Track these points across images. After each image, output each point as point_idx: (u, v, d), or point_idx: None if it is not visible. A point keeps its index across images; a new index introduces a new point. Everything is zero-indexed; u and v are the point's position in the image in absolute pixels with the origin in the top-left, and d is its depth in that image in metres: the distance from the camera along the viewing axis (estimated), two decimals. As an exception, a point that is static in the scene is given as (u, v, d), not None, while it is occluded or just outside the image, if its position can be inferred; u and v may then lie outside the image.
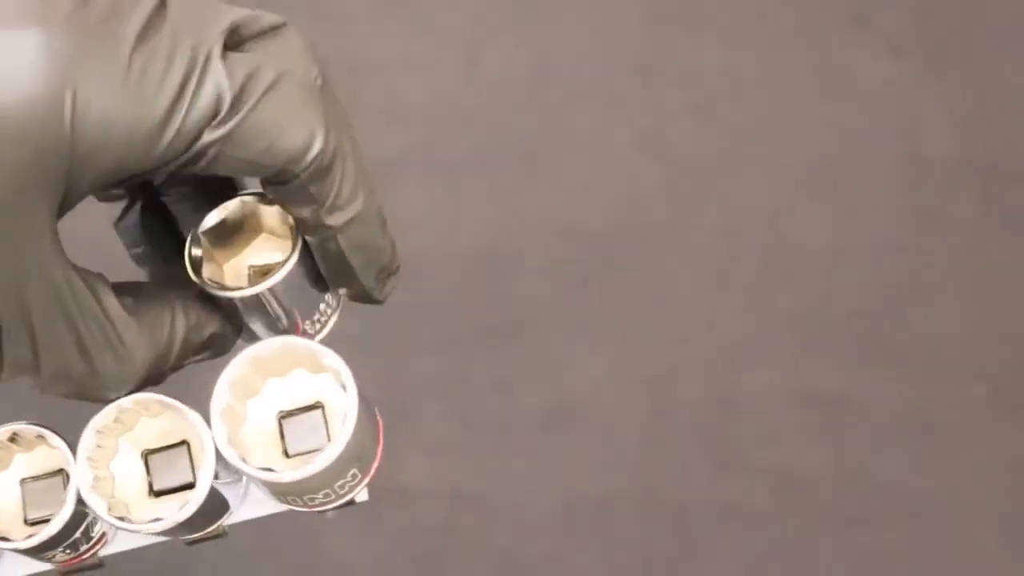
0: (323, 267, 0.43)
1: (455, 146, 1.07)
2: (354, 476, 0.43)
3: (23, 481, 0.41)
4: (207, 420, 0.41)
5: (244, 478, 0.42)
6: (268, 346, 0.41)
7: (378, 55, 1.11)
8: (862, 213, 1.05)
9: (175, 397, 0.41)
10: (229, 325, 0.43)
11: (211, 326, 0.42)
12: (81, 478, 0.40)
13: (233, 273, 0.43)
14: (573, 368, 0.99)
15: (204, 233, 0.42)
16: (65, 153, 0.36)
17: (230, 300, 0.42)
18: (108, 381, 0.40)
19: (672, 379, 0.98)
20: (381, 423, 0.44)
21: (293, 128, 0.39)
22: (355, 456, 0.42)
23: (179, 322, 0.41)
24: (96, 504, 0.40)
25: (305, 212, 0.41)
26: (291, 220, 0.42)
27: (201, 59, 0.38)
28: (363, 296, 0.44)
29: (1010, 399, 0.98)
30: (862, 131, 1.08)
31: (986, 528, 0.94)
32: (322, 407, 0.42)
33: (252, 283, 0.42)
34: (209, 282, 0.41)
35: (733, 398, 0.98)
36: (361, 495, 0.44)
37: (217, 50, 0.38)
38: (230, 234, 0.42)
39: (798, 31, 1.12)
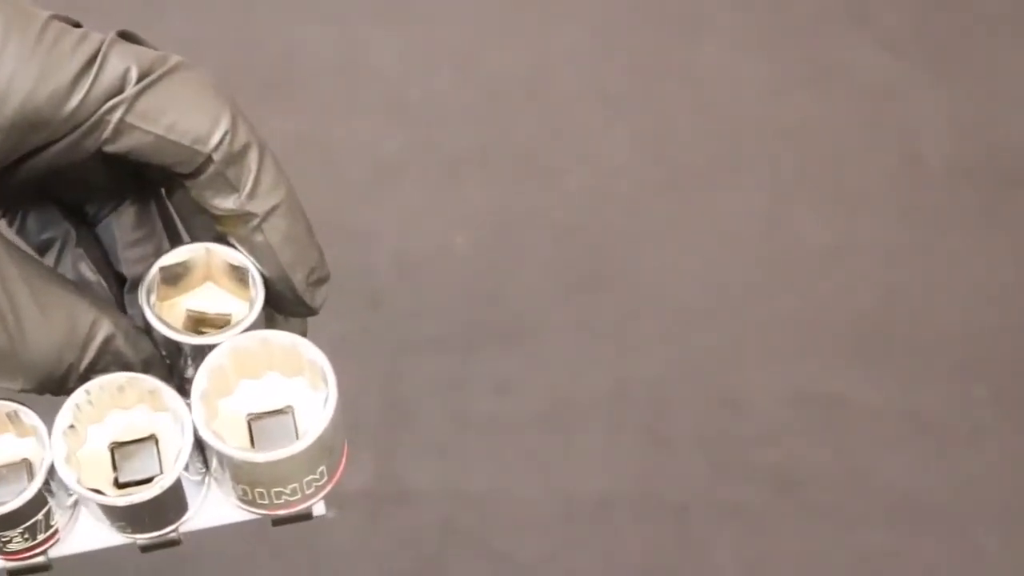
0: (256, 265, 0.43)
1: (455, 146, 1.07)
2: (322, 475, 0.42)
3: None
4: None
5: (206, 479, 0.43)
6: (250, 338, 0.42)
7: (378, 55, 1.11)
8: (862, 213, 1.05)
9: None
10: (161, 361, 0.43)
11: (144, 348, 0.42)
12: (56, 451, 0.40)
13: (171, 314, 0.43)
14: (573, 368, 0.99)
15: (160, 270, 0.42)
16: None
17: (179, 344, 0.42)
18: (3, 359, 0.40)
19: (672, 379, 0.98)
20: (346, 446, 0.44)
21: (198, 107, 0.40)
22: (328, 450, 0.41)
23: (103, 325, 0.41)
24: (68, 476, 0.40)
25: (228, 203, 0.41)
26: (251, 274, 0.42)
27: (110, 40, 0.40)
28: (296, 304, 0.44)
29: (1010, 399, 0.98)
30: (862, 131, 1.08)
31: (986, 528, 0.94)
32: (292, 411, 0.42)
33: (188, 328, 0.43)
34: (165, 324, 0.42)
35: (733, 398, 0.98)
36: (319, 508, 0.44)
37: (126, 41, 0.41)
38: (178, 276, 0.43)
39: (797, 31, 1.12)
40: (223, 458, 0.41)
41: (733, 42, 1.11)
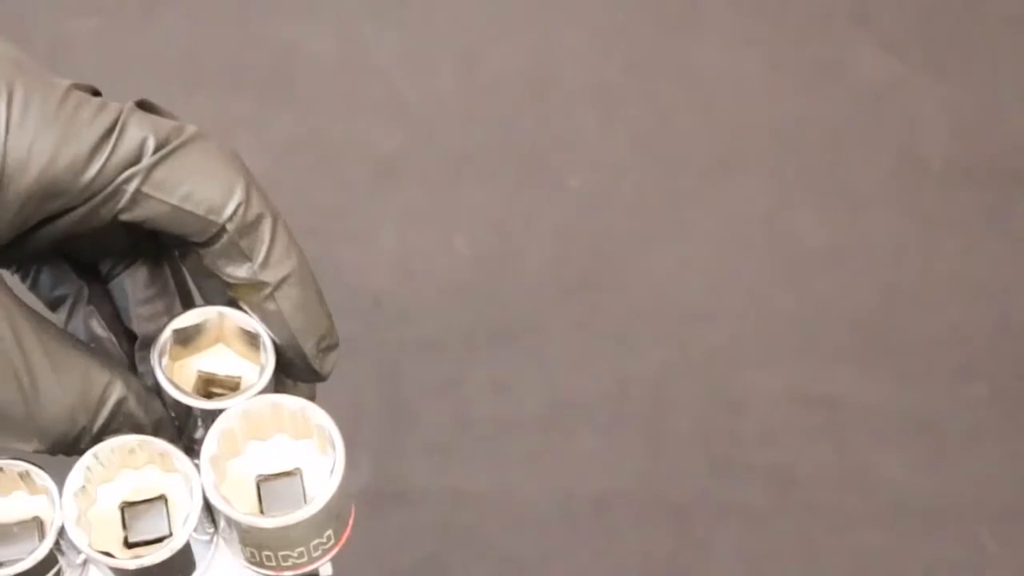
0: (268, 331, 0.43)
1: (455, 146, 1.07)
2: (328, 539, 0.43)
3: None
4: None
5: (214, 538, 0.43)
6: (260, 402, 0.42)
7: (378, 55, 1.11)
8: (862, 213, 1.05)
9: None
10: (171, 422, 0.44)
11: (155, 410, 0.43)
12: (67, 512, 0.40)
13: (182, 374, 0.43)
14: (573, 368, 0.99)
15: (173, 332, 0.43)
16: None
17: (189, 407, 0.42)
18: (14, 423, 0.40)
19: (672, 379, 0.98)
20: (354, 509, 0.45)
21: (213, 178, 0.41)
22: (335, 515, 0.42)
23: (116, 388, 0.41)
24: (78, 538, 0.40)
25: (241, 271, 0.42)
26: (263, 340, 0.43)
27: (128, 110, 0.40)
28: (306, 370, 0.44)
29: (1010, 399, 0.98)
30: (862, 131, 1.08)
31: (986, 528, 0.94)
32: (301, 474, 0.42)
33: (198, 389, 0.43)
34: (175, 386, 0.42)
35: (733, 398, 0.98)
36: (325, 569, 0.44)
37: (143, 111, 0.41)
38: (190, 337, 0.43)
39: (797, 31, 1.12)
40: (231, 521, 0.41)
41: (733, 42, 1.11)
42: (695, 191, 1.06)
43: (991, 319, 1.01)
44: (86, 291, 0.45)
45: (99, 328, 0.45)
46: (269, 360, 0.43)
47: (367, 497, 0.94)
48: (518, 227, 1.04)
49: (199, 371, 0.44)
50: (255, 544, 0.42)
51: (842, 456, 0.96)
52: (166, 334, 0.43)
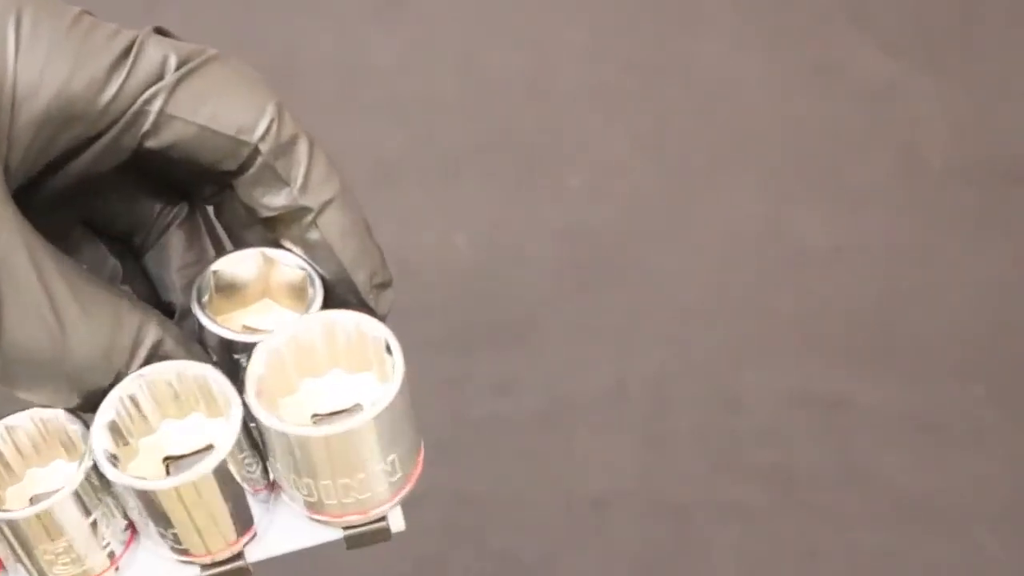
0: (315, 267, 0.40)
1: (455, 146, 1.07)
2: (393, 466, 0.39)
3: (34, 497, 0.38)
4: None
5: (271, 498, 0.39)
6: (310, 322, 0.38)
7: (378, 55, 1.11)
8: (862, 213, 1.05)
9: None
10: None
11: (196, 353, 0.39)
12: (96, 444, 0.36)
13: (227, 326, 0.40)
14: (573, 368, 0.99)
15: (213, 273, 0.40)
16: (8, 89, 0.36)
17: (233, 349, 0.39)
18: (44, 368, 0.36)
19: (672, 379, 0.98)
20: (423, 449, 0.41)
21: (241, 96, 0.38)
22: (397, 432, 0.38)
23: (151, 328, 0.38)
24: (108, 469, 0.36)
25: (279, 199, 0.39)
26: (310, 275, 0.39)
27: (146, 32, 0.38)
28: (360, 307, 0.41)
29: (1010, 399, 0.98)
30: (861, 131, 1.08)
31: (986, 528, 0.94)
32: (361, 410, 0.38)
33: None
34: (217, 323, 0.39)
35: (733, 398, 0.98)
36: (396, 522, 0.41)
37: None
38: (234, 289, 0.40)
39: (797, 31, 1.12)
40: (282, 443, 0.37)
41: (733, 42, 1.11)
42: (695, 191, 1.06)
43: (991, 319, 1.01)
44: (120, 271, 0.43)
45: (138, 292, 0.42)
46: (317, 294, 0.39)
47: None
48: (518, 227, 1.04)
49: (244, 326, 0.40)
50: (309, 472, 0.37)
51: (842, 456, 0.96)
52: (206, 274, 0.39)
